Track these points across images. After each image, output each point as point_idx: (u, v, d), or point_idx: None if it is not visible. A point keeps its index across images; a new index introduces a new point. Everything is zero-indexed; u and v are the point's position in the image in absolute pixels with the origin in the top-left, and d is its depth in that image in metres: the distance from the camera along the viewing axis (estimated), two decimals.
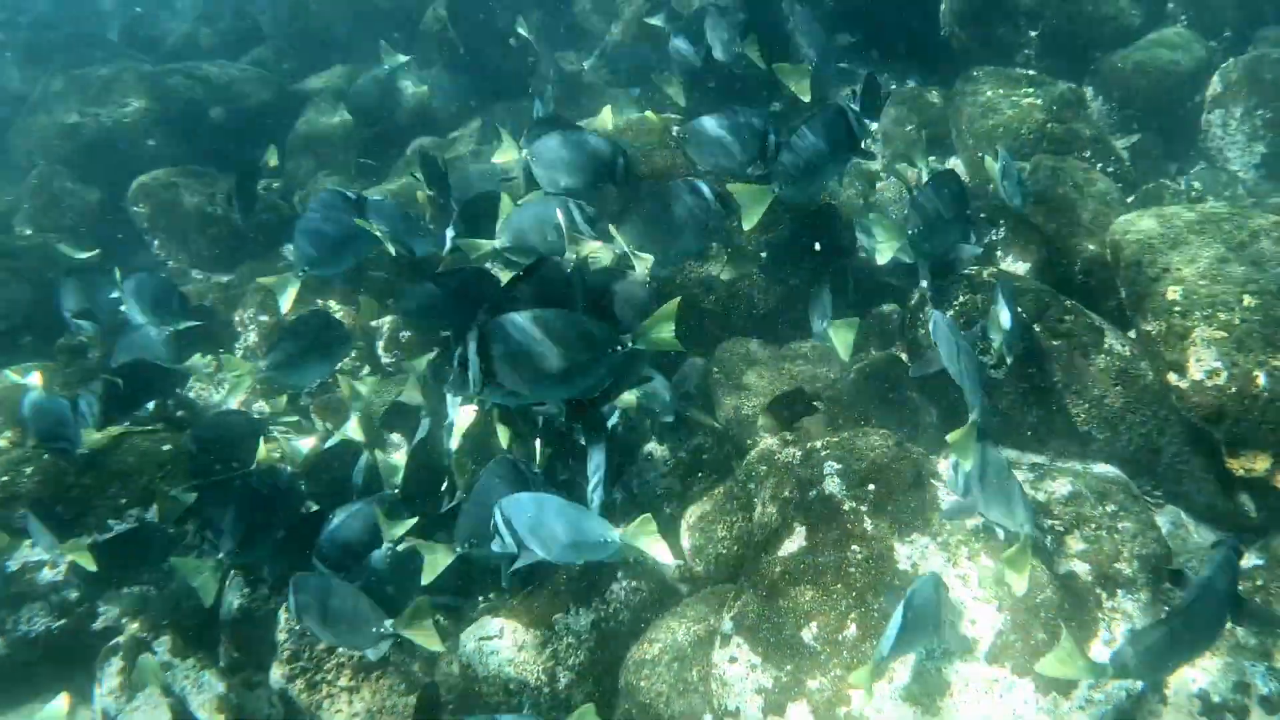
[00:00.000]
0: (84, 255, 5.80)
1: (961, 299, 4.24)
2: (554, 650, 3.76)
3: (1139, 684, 3.17)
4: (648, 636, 3.80)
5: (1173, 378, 3.76)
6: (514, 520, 3.17)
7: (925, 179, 4.78)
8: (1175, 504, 4.04)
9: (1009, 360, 3.73)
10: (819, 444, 3.72)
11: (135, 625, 4.09)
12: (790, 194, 4.08)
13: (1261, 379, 3.57)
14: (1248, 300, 3.70)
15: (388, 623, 3.42)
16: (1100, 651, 3.19)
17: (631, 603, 3.94)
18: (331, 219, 4.38)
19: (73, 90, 7.47)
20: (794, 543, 3.49)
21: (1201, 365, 3.67)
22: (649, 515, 3.12)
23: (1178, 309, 3.79)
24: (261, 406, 5.01)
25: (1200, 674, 3.25)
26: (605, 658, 3.84)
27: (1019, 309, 3.95)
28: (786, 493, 3.64)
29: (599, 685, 3.80)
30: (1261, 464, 3.70)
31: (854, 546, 3.40)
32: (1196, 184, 5.67)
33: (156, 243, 6.34)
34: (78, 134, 7.16)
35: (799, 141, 4.00)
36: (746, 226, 4.01)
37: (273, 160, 5.19)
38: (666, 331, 3.16)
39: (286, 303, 4.34)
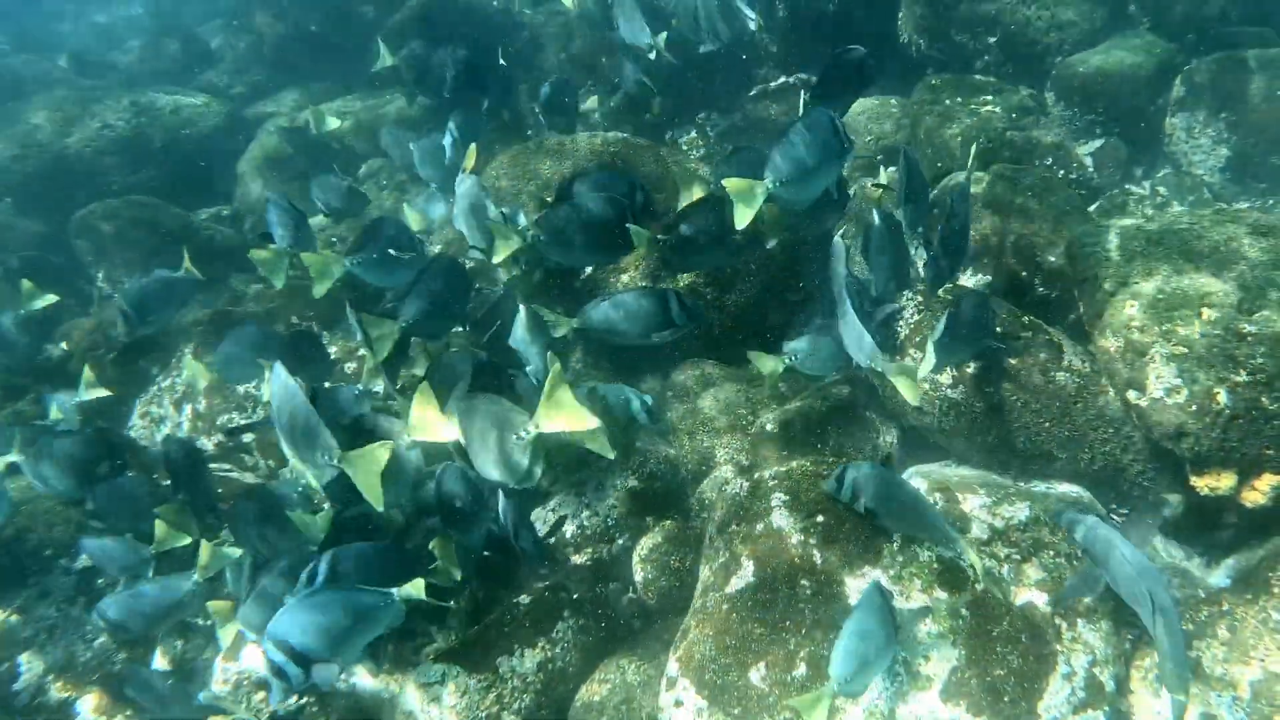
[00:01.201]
0: (43, 301, 5.33)
1: (916, 317, 4.11)
2: (498, 695, 3.60)
3: (1102, 716, 3.05)
4: (596, 677, 3.65)
5: (1132, 396, 3.63)
6: (291, 640, 2.93)
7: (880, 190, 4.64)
8: None
9: (933, 366, 3.58)
10: (767, 474, 3.58)
11: (59, 684, 3.90)
12: (785, 195, 3.86)
13: (1223, 396, 3.44)
14: (1207, 314, 3.58)
15: (202, 694, 3.58)
16: (1059, 687, 3.05)
17: (580, 642, 3.79)
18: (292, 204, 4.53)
19: (11, 119, 7.30)
20: (742, 578, 3.34)
21: (1161, 383, 3.55)
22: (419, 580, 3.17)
23: (1136, 324, 3.67)
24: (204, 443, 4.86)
25: (1166, 705, 3.11)
26: (553, 699, 3.69)
27: (978, 320, 3.81)
28: (734, 525, 3.50)
29: None
30: (1226, 482, 3.58)
31: (803, 581, 3.26)
32: (1161, 189, 5.56)
33: (101, 274, 6.18)
34: (20, 164, 6.99)
35: (793, 141, 3.79)
36: (739, 225, 3.80)
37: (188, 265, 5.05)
38: (370, 473, 3.17)
39: (279, 280, 4.38)
